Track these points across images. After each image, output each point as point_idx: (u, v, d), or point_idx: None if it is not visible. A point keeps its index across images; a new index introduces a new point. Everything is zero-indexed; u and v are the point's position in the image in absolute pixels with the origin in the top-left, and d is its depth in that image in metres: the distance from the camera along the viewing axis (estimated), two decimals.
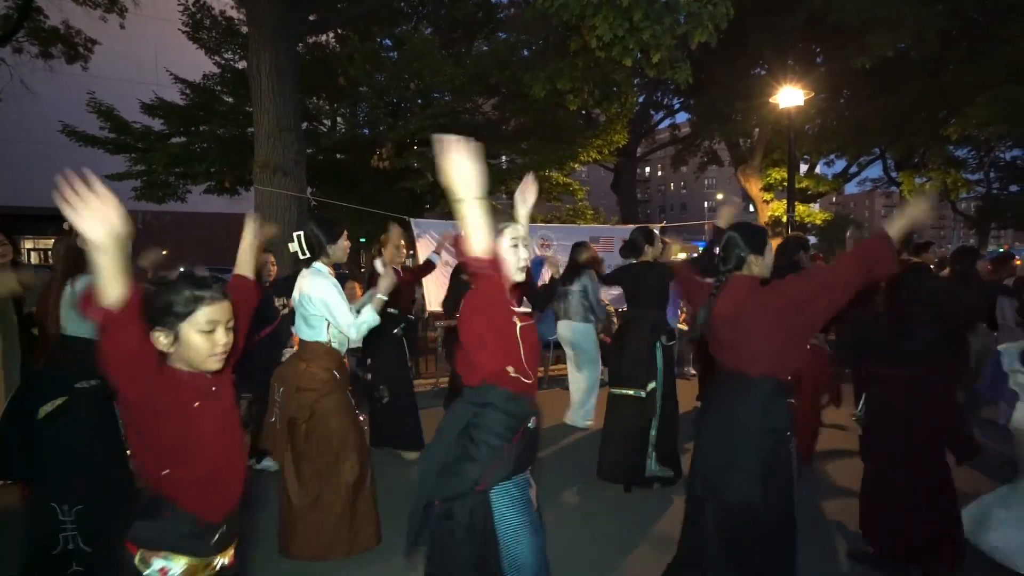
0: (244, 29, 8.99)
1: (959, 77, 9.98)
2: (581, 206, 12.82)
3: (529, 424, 1.68)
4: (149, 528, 1.23)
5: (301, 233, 2.62)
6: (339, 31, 10.35)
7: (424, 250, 6.41)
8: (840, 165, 17.83)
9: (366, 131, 10.01)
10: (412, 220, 6.45)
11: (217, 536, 1.28)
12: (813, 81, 10.17)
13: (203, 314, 1.25)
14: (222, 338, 1.28)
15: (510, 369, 1.64)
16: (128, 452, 2.20)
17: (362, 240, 11.18)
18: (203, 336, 1.25)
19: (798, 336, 1.98)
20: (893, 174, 18.81)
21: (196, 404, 1.26)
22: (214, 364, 1.28)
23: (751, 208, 14.02)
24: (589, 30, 5.38)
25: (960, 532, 2.57)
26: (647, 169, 59.09)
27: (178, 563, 1.22)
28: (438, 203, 10.19)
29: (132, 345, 1.15)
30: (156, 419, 1.22)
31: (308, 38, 9.60)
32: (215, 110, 9.89)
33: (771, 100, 9.66)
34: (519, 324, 1.66)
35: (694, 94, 12.92)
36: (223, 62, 10.18)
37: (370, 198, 9.15)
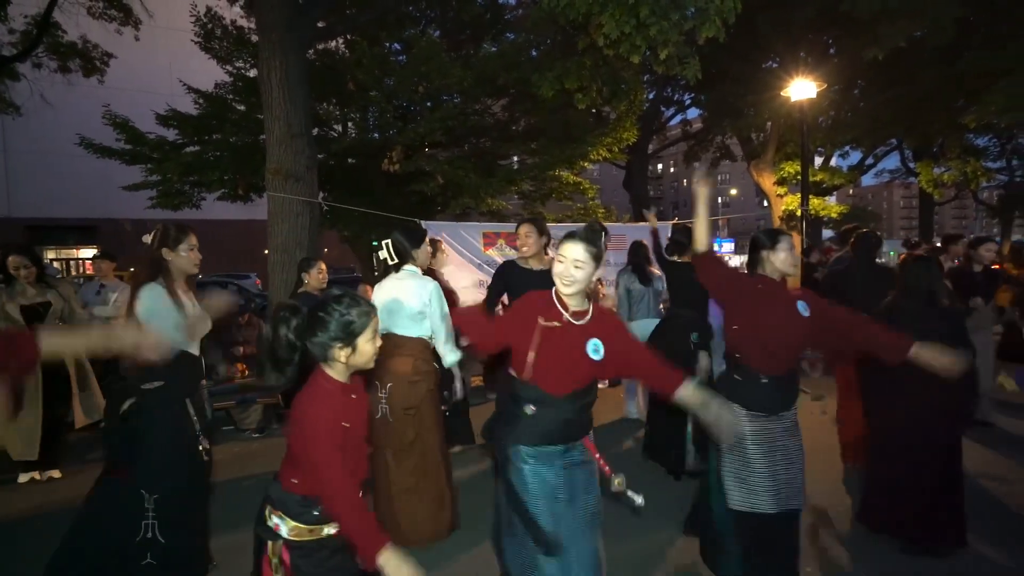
0: (254, 38, 9.10)
1: (976, 64, 9.75)
2: (592, 205, 12.77)
3: (525, 410, 1.87)
4: (276, 491, 1.51)
5: (389, 241, 2.88)
6: (348, 37, 10.42)
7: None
8: (856, 157, 17.58)
9: (376, 135, 10.06)
10: (423, 222, 6.47)
11: (321, 509, 1.49)
12: (826, 73, 10.02)
13: (373, 325, 1.52)
14: (378, 342, 1.56)
15: (529, 356, 1.85)
16: (201, 447, 2.43)
17: (374, 243, 11.25)
18: (371, 344, 1.52)
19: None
20: (911, 164, 18.51)
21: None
22: (372, 364, 1.57)
23: (765, 203, 13.87)
24: (596, 28, 5.36)
25: (961, 510, 2.70)
26: (659, 166, 58.70)
27: (287, 524, 1.47)
28: (448, 205, 10.22)
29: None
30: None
31: (317, 44, 9.68)
32: (227, 118, 10.01)
33: (783, 93, 9.52)
34: (542, 323, 1.85)
35: (705, 89, 12.82)
36: (234, 71, 10.31)
37: (381, 201, 9.20)
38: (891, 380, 2.68)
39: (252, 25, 9.84)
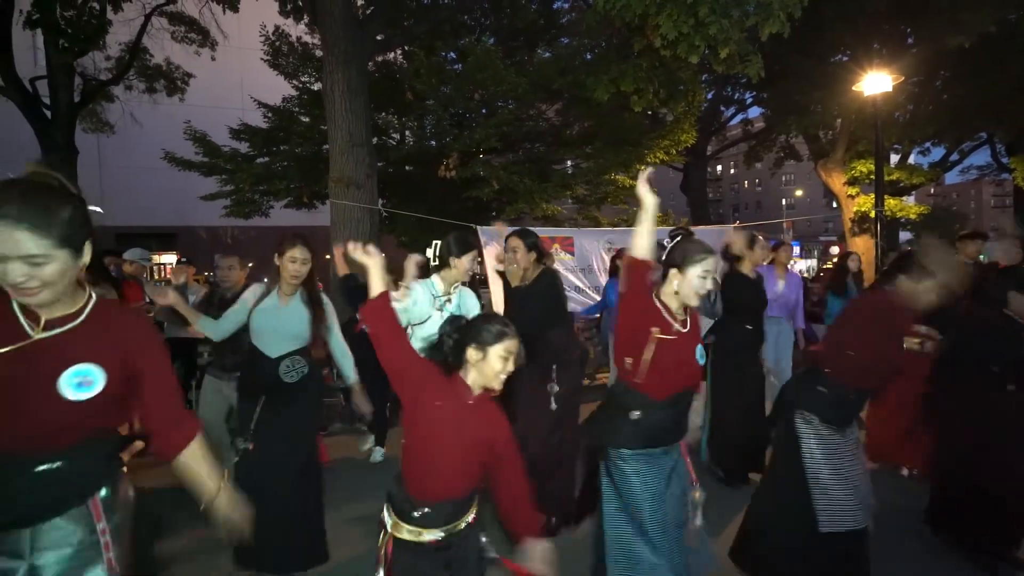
0: (319, 53, 9.53)
1: None
2: None
3: (630, 415, 1.91)
4: (392, 484, 1.63)
5: (440, 241, 2.88)
6: (405, 48, 10.73)
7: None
8: (938, 153, 16.34)
9: (433, 143, 10.28)
10: (479, 228, 6.55)
11: (421, 513, 1.55)
12: (903, 65, 9.34)
13: (505, 346, 1.60)
14: (510, 366, 1.62)
15: (627, 361, 1.91)
16: None
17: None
18: (502, 361, 1.59)
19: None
20: (1004, 160, 16.98)
21: (438, 403, 1.58)
22: (498, 384, 1.62)
23: (834, 204, 13.13)
24: (653, 29, 5.25)
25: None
26: (718, 167, 56.82)
27: (390, 516, 1.59)
28: (503, 211, 10.28)
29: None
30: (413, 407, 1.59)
31: (377, 56, 10.02)
32: (293, 130, 10.53)
33: (855, 88, 8.98)
34: (657, 335, 1.87)
35: (767, 87, 12.27)
36: (300, 85, 10.83)
37: (438, 208, 9.38)
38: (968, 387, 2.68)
39: (316, 41, 10.31)
